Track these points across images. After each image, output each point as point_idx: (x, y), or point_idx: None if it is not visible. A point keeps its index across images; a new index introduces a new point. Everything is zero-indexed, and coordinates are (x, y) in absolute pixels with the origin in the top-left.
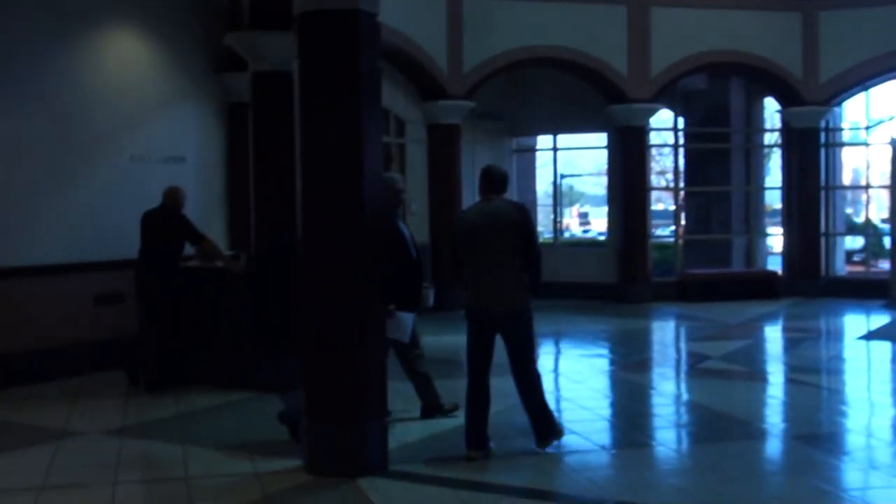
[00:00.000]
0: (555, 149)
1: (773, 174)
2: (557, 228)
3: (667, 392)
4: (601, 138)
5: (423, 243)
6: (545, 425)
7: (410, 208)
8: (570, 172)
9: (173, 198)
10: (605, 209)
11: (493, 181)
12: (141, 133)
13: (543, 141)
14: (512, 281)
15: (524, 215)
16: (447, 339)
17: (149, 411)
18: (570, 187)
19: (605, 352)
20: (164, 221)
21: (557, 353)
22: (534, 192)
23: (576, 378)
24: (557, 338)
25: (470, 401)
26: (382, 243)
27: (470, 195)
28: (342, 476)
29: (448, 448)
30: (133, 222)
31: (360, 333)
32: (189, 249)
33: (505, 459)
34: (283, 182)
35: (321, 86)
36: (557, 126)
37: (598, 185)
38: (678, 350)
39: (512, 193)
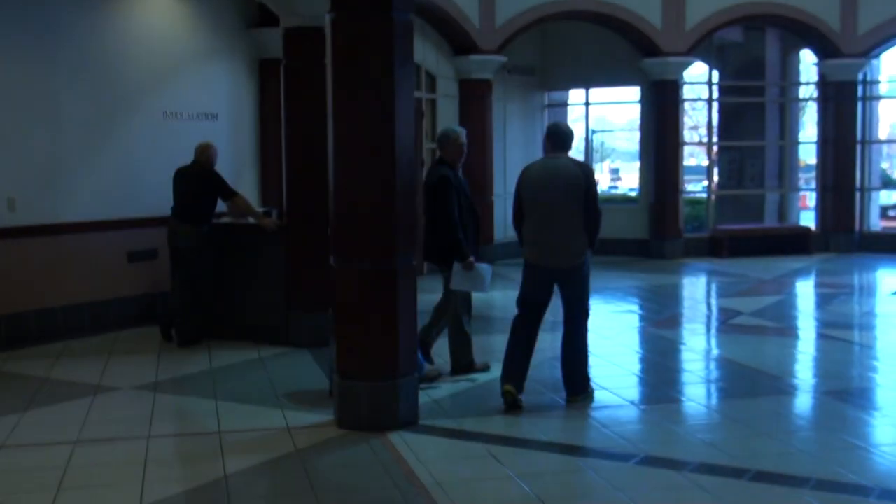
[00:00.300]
0: (587, 103)
1: (808, 129)
2: None
3: (697, 348)
4: (634, 92)
5: None
6: (581, 382)
7: None
8: (601, 128)
9: (205, 154)
10: (637, 164)
11: (559, 138)
12: (173, 90)
13: (575, 95)
14: (571, 238)
15: (588, 174)
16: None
17: (182, 367)
18: (602, 143)
19: (635, 308)
20: (197, 178)
21: None
22: None
23: (606, 334)
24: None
25: (514, 342)
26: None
27: (500, 150)
28: (372, 430)
29: (478, 403)
30: (166, 179)
31: (391, 291)
32: (221, 206)
33: (535, 413)
34: (314, 140)
35: (353, 56)
36: (589, 80)
37: (629, 141)
38: (709, 306)
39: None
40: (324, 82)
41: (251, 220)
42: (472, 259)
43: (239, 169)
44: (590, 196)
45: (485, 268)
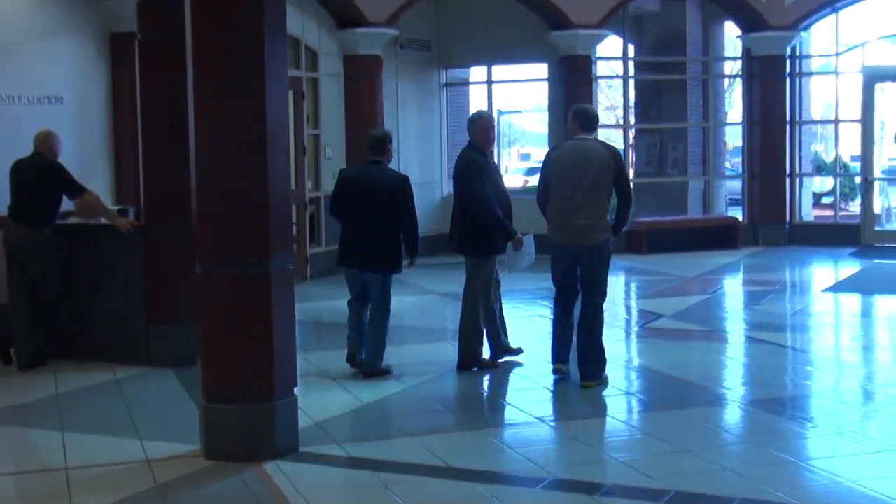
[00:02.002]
0: (490, 82)
1: (736, 108)
2: None
3: (614, 356)
4: (542, 70)
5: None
6: (594, 368)
7: (325, 153)
8: (508, 109)
9: (45, 143)
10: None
11: (588, 119)
12: (9, 70)
13: (477, 73)
14: (595, 220)
15: (618, 159)
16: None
17: (23, 393)
18: (510, 125)
19: (545, 311)
20: (38, 171)
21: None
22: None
23: (512, 341)
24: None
25: (556, 320)
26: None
27: (392, 132)
28: (245, 460)
29: (368, 426)
30: (1, 173)
31: (265, 299)
32: (67, 204)
33: (432, 435)
34: (176, 127)
35: (217, 24)
36: (492, 56)
37: (540, 123)
38: (627, 308)
39: (441, 133)
40: (185, 59)
41: (103, 220)
42: (519, 235)
43: (88, 161)
44: (620, 179)
45: (528, 238)
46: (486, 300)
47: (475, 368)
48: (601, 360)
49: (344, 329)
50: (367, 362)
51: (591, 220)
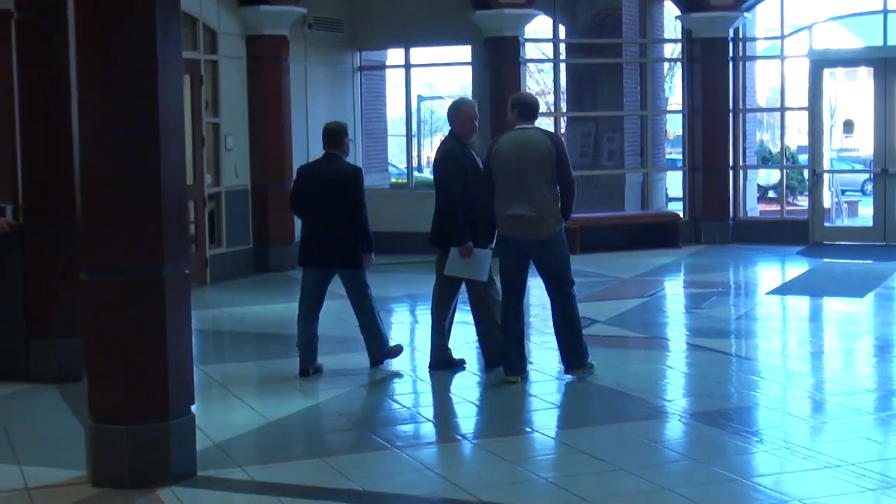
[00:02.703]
0: (408, 65)
1: (677, 95)
2: (412, 165)
3: (544, 366)
4: (465, 52)
5: (243, 186)
6: (576, 355)
7: (226, 144)
8: (429, 95)
9: None
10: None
11: (528, 108)
12: None
13: (394, 56)
14: (544, 211)
15: (558, 146)
16: (277, 308)
17: None
18: (432, 112)
19: (468, 318)
20: None
21: (413, 322)
22: (384, 118)
23: (429, 352)
24: (412, 302)
25: (506, 325)
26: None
27: (301, 124)
28: (137, 487)
29: (274, 446)
30: None
31: (158, 308)
32: None
33: (344, 454)
34: (59, 116)
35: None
36: (411, 37)
37: None
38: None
39: (355, 122)
40: (68, 41)
41: None
42: (470, 244)
43: None
44: (561, 166)
45: (485, 253)
46: (493, 295)
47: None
48: (581, 343)
49: (247, 338)
50: (375, 357)
51: (538, 212)
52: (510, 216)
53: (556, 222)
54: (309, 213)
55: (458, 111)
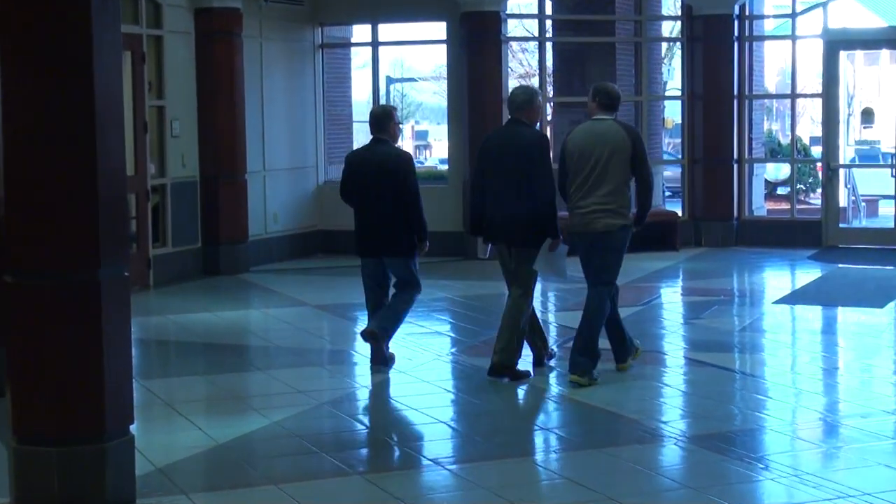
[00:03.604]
0: (375, 43)
1: (676, 79)
2: None
3: (530, 383)
4: (440, 29)
5: (191, 178)
6: (589, 356)
7: (173, 130)
8: (399, 76)
9: None
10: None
11: (608, 98)
12: None
13: (360, 33)
14: (608, 204)
15: (635, 139)
16: (229, 316)
17: None
18: (403, 96)
19: (445, 328)
20: None
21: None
22: (349, 102)
23: (403, 366)
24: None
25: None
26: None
27: (255, 108)
28: None
29: (220, 470)
30: None
31: (94, 316)
32: None
33: (303, 484)
34: None
35: None
36: (379, 12)
37: (439, 94)
38: (545, 324)
39: (316, 105)
40: None
41: None
42: (560, 237)
43: None
44: (637, 160)
45: (563, 248)
46: (526, 303)
47: (505, 379)
48: (595, 354)
49: (195, 349)
50: (375, 329)
51: (604, 205)
52: (575, 209)
53: (622, 218)
54: (359, 201)
55: (534, 101)
